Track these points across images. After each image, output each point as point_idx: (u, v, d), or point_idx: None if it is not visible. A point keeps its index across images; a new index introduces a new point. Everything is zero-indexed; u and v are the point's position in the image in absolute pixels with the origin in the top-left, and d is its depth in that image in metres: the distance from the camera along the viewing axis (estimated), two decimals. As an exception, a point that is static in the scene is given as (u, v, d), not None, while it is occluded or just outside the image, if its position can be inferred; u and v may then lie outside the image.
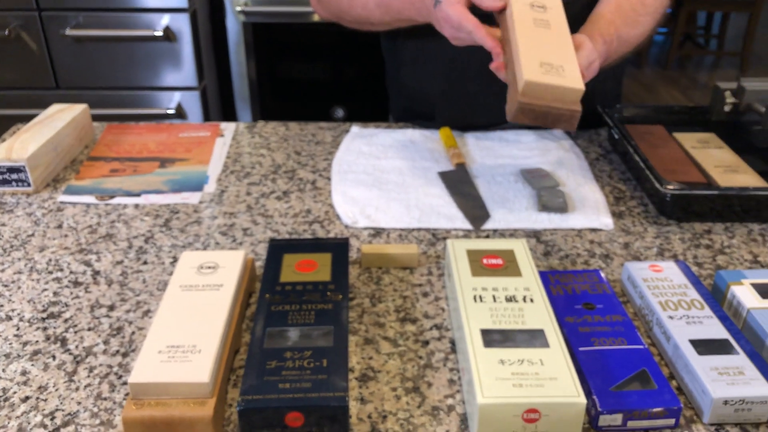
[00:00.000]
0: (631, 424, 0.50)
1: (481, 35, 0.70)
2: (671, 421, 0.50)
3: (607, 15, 0.81)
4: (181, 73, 1.75)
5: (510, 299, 0.57)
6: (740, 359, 0.53)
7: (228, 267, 0.61)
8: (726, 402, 0.50)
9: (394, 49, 1.03)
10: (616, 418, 0.50)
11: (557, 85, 0.65)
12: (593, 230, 0.76)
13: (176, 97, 1.78)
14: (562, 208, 0.78)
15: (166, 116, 1.77)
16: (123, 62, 1.72)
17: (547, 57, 0.67)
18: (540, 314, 0.55)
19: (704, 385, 0.51)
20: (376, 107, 1.96)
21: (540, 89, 0.65)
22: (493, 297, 0.57)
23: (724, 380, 0.51)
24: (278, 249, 0.64)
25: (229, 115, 1.99)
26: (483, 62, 0.74)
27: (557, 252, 0.72)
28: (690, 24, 4.09)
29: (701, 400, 0.51)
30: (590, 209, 0.79)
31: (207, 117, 1.85)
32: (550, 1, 0.74)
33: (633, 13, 0.83)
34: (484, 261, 0.62)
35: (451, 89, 0.97)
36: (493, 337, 0.53)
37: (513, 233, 0.75)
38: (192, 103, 1.79)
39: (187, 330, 0.53)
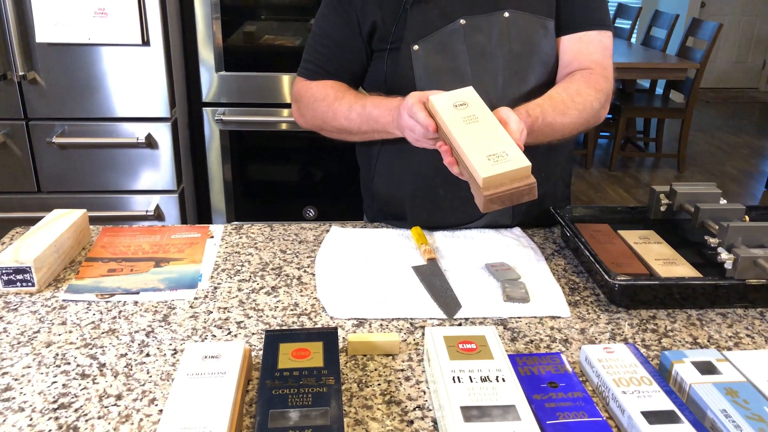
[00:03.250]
0: (595, 486, 0.57)
1: (427, 123, 0.85)
2: (629, 484, 0.57)
3: (538, 100, 0.95)
4: (160, 177, 1.84)
5: (485, 379, 0.64)
6: (686, 428, 0.61)
7: (229, 356, 0.67)
8: (675, 464, 0.57)
9: (369, 157, 1.15)
10: (582, 482, 0.57)
11: (509, 170, 0.77)
12: (553, 317, 0.85)
13: (155, 200, 1.86)
14: (525, 298, 0.88)
15: (145, 218, 1.84)
16: (104, 167, 1.81)
17: (490, 149, 0.79)
18: (511, 392, 0.63)
19: (655, 450, 0.58)
20: (345, 206, 2.07)
21: (497, 180, 0.77)
22: (470, 377, 0.65)
23: (672, 445, 0.59)
24: (274, 339, 0.71)
25: (205, 215, 2.07)
26: (448, 170, 0.86)
27: (522, 337, 0.80)
28: (630, 129, 4.43)
29: (654, 464, 0.59)
30: (549, 299, 0.89)
31: (184, 218, 1.92)
32: (467, 95, 0.87)
33: (562, 105, 0.97)
34: (460, 346, 0.70)
35: (421, 194, 1.08)
36: (471, 413, 0.60)
37: (483, 321, 0.84)
38: (170, 205, 1.87)
39: (197, 413, 0.59)
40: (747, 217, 0.97)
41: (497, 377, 0.65)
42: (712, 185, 1.03)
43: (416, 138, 0.89)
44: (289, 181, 2.06)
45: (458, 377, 0.65)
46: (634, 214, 1.10)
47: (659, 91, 4.43)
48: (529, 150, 0.95)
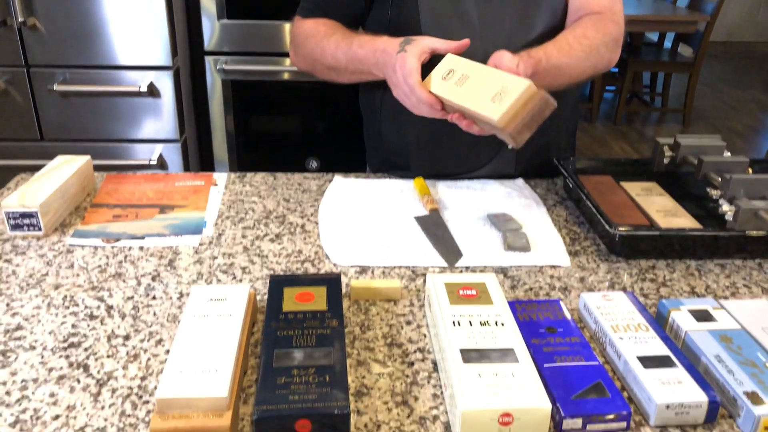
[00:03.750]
0: (589, 427, 0.59)
1: (420, 94, 0.86)
2: (623, 425, 0.59)
3: (543, 45, 0.94)
4: (163, 126, 1.83)
5: (484, 324, 0.66)
6: (679, 372, 0.62)
7: (235, 299, 0.69)
8: (668, 406, 0.59)
9: (373, 105, 1.14)
10: (577, 422, 0.58)
11: (515, 98, 0.78)
12: (553, 267, 0.86)
13: (158, 149, 1.86)
14: (525, 247, 0.89)
15: (148, 167, 1.84)
16: (107, 116, 1.80)
17: (489, 92, 0.80)
18: (510, 336, 0.64)
19: (649, 393, 0.60)
20: (348, 158, 2.06)
21: (510, 114, 0.78)
22: (470, 322, 0.66)
23: (666, 388, 0.60)
24: (278, 283, 0.72)
25: (208, 166, 2.07)
26: None
27: (522, 285, 0.82)
28: (636, 83, 4.37)
29: (647, 406, 0.60)
30: (549, 249, 0.89)
31: (187, 168, 1.93)
32: (449, 63, 0.88)
33: (567, 47, 0.96)
34: (460, 292, 0.71)
35: (426, 142, 1.08)
36: (470, 355, 0.61)
37: (483, 269, 0.85)
38: (173, 154, 1.87)
39: (204, 353, 0.60)
40: (750, 170, 0.97)
41: (496, 322, 0.66)
42: (717, 138, 1.02)
43: (421, 112, 0.90)
44: (291, 132, 2.05)
45: (458, 321, 0.66)
46: (637, 166, 1.10)
47: (668, 44, 4.35)
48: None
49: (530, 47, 0.94)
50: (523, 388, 0.57)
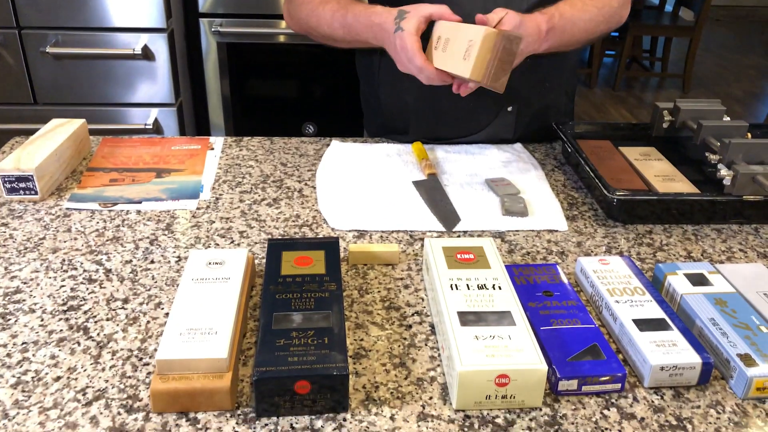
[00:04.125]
0: (585, 388, 0.59)
1: (428, 73, 0.87)
2: (618, 386, 0.60)
3: (555, 3, 0.95)
4: (158, 90, 1.81)
5: (481, 287, 0.66)
6: (674, 334, 0.63)
7: (233, 263, 0.69)
8: (662, 368, 0.60)
9: (371, 69, 1.13)
10: (573, 384, 0.59)
11: (479, 50, 0.80)
12: (550, 231, 0.86)
13: (153, 113, 1.84)
14: (523, 212, 0.89)
15: (143, 131, 1.82)
16: (101, 79, 1.78)
17: (460, 51, 0.82)
18: (507, 299, 0.65)
19: (644, 354, 0.61)
20: (345, 123, 2.05)
21: (479, 65, 0.80)
22: (467, 285, 0.66)
23: (660, 351, 0.61)
24: (276, 247, 0.72)
25: (204, 130, 2.05)
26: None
27: (520, 250, 0.82)
28: (636, 47, 4.32)
29: (642, 368, 0.61)
30: (547, 213, 0.90)
31: (182, 132, 1.91)
32: (440, 28, 0.89)
33: (580, 3, 0.95)
34: (458, 256, 0.71)
35: (425, 105, 1.07)
36: (468, 318, 0.62)
37: (481, 234, 0.85)
38: (168, 119, 1.85)
39: (203, 315, 0.61)
40: (749, 135, 0.96)
41: (493, 285, 0.66)
42: (716, 102, 1.02)
43: (408, 68, 0.90)
44: (288, 96, 2.03)
45: (456, 285, 0.66)
46: (636, 131, 1.09)
47: (668, 8, 4.29)
48: (535, 59, 0.94)
49: (534, 8, 0.93)
50: (519, 351, 0.58)
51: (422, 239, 0.83)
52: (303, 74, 2.00)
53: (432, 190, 0.94)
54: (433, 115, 1.07)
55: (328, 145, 1.09)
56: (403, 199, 0.92)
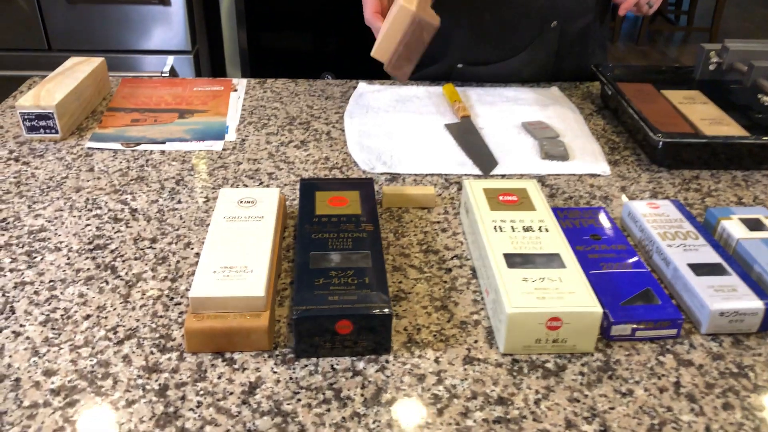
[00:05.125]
0: (638, 333, 0.56)
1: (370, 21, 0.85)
2: (673, 332, 0.57)
3: None
4: (174, 36, 1.76)
5: (527, 229, 0.63)
6: (733, 279, 0.60)
7: (265, 201, 0.65)
8: (722, 314, 0.57)
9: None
10: (626, 329, 0.56)
11: (386, 29, 0.73)
12: (592, 176, 0.82)
13: (169, 60, 1.79)
14: (564, 156, 0.85)
15: (160, 79, 1.78)
16: (116, 25, 1.73)
17: (389, 17, 0.76)
18: (555, 241, 0.61)
19: (702, 299, 0.57)
20: (365, 70, 1.99)
21: (383, 45, 0.74)
22: (512, 227, 0.63)
23: (719, 296, 0.58)
24: (309, 187, 0.69)
25: (220, 79, 2.00)
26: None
27: (561, 194, 0.78)
28: (662, 0, 4.19)
29: (699, 314, 0.58)
30: (588, 158, 0.85)
31: (199, 81, 1.86)
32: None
33: None
34: (500, 198, 0.68)
35: (464, 22, 1.03)
36: (514, 260, 0.59)
37: (520, 177, 0.81)
38: (185, 66, 1.81)
39: (237, 253, 0.58)
40: (803, 77, 0.91)
41: (540, 227, 0.63)
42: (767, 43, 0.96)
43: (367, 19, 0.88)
44: (304, 44, 1.97)
45: (500, 227, 0.63)
46: (679, 74, 1.04)
47: (697, -41, 4.14)
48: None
49: None
50: (571, 293, 0.55)
51: (458, 183, 0.79)
52: (320, 22, 1.93)
53: (466, 133, 0.90)
54: (473, 33, 1.02)
55: (354, 87, 1.04)
56: (436, 142, 0.88)
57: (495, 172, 0.82)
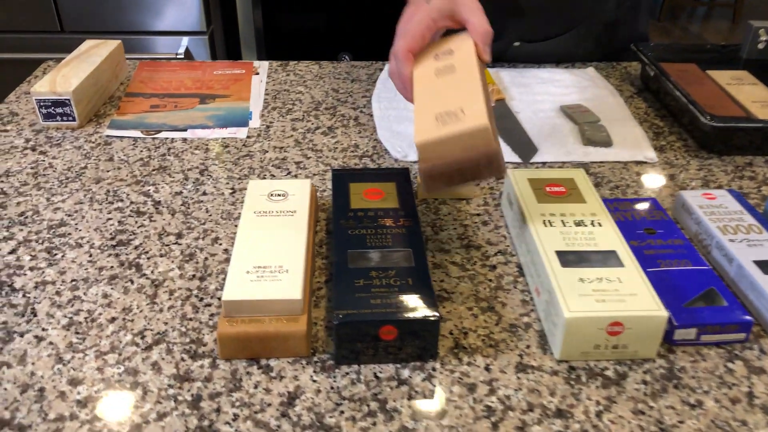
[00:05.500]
0: (704, 338, 0.52)
1: (399, 67, 0.64)
2: (742, 336, 0.53)
3: None
4: (189, 17, 1.71)
5: (579, 223, 0.58)
6: (801, 278, 0.55)
7: (297, 194, 0.62)
8: (792, 316, 0.52)
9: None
10: (690, 332, 0.52)
11: (454, 133, 0.51)
12: (638, 163, 0.77)
13: (184, 42, 1.74)
14: (607, 142, 0.80)
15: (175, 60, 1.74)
16: (130, 6, 1.68)
17: (444, 105, 0.54)
18: (610, 237, 0.57)
19: (771, 300, 0.53)
20: (381, 49, 1.94)
21: (436, 147, 0.52)
22: (562, 221, 0.59)
23: (789, 296, 0.53)
24: (342, 178, 0.65)
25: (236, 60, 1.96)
26: None
27: (607, 183, 0.74)
28: (685, -26, 4.08)
29: None
30: (632, 143, 0.81)
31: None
32: (458, 42, 0.64)
33: None
34: (548, 189, 0.63)
35: None
36: (568, 258, 0.54)
37: (562, 165, 0.77)
38: (199, 48, 1.76)
39: (270, 252, 0.54)
40: None
41: (592, 221, 0.59)
42: (822, 19, 0.90)
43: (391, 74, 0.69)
44: (321, 23, 1.91)
45: (549, 221, 0.59)
46: (724, 53, 0.98)
47: (721, -69, 4.01)
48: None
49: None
50: (633, 295, 0.51)
51: (496, 171, 0.75)
52: (336, 1, 1.88)
53: (502, 118, 0.85)
54: (531, 7, 0.97)
55: (380, 69, 1.00)
56: (471, 127, 0.83)
57: (535, 159, 0.77)
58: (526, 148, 0.79)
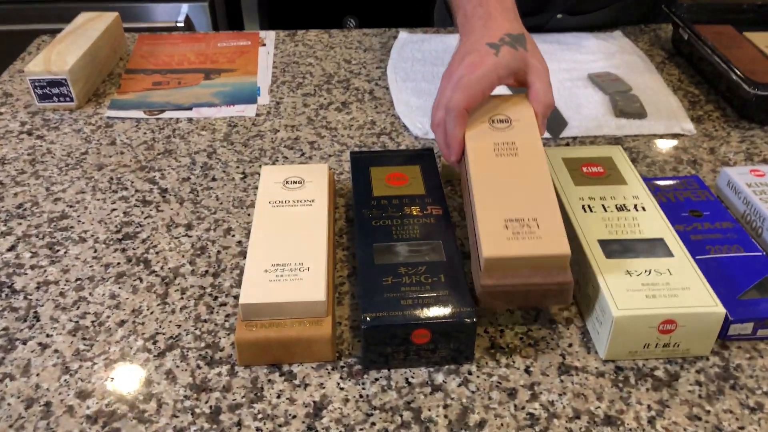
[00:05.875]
0: (761, 332, 0.48)
1: (450, 125, 0.53)
2: (800, 328, 0.49)
3: None
4: (188, -19, 1.64)
5: (621, 208, 0.54)
6: None
7: (314, 181, 0.57)
8: None
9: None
10: (747, 327, 0.48)
11: (530, 255, 0.45)
12: (675, 136, 0.73)
13: (183, 9, 1.67)
14: (641, 113, 0.75)
15: (175, 29, 1.67)
16: (125, -30, 1.61)
17: (515, 209, 0.47)
18: (656, 222, 0.52)
19: (833, 290, 0.49)
20: (391, 12, 1.86)
21: (507, 264, 0.45)
22: (603, 206, 0.54)
23: None
24: (361, 161, 0.60)
25: (238, 28, 1.89)
26: None
27: (643, 159, 0.69)
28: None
29: (828, 306, 0.49)
30: (668, 114, 0.75)
31: (216, 29, 1.75)
32: (517, 110, 0.55)
33: None
34: (584, 169, 0.59)
35: None
36: (612, 248, 0.50)
37: (593, 140, 0.72)
38: (200, 15, 1.69)
39: (289, 247, 0.50)
40: None
41: (635, 205, 0.54)
42: None
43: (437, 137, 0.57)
44: (328, -14, 1.83)
45: (589, 206, 0.54)
46: (762, 13, 0.92)
47: None
48: None
49: None
50: (685, 289, 0.46)
51: (524, 148, 0.70)
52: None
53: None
54: None
55: (394, 37, 0.94)
56: (494, 99, 0.78)
57: (565, 134, 0.72)
58: (555, 121, 0.74)
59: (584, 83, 0.81)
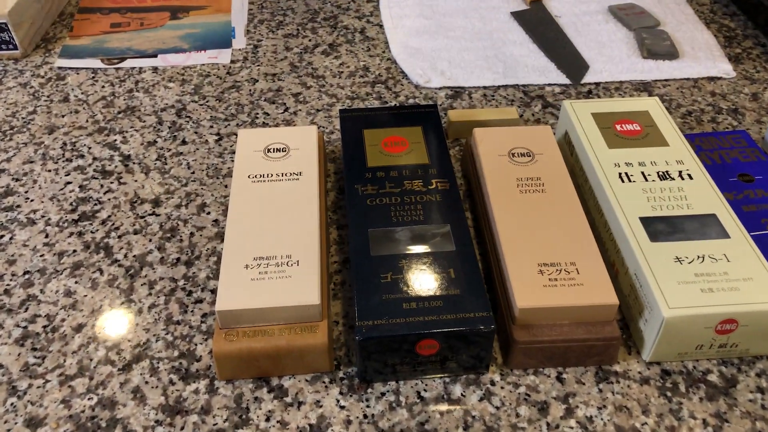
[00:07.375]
0: (828, 324, 0.41)
1: None
2: None
3: None
4: None
5: (664, 176, 0.46)
6: None
7: (301, 148, 0.48)
8: None
9: None
10: (812, 319, 0.41)
11: (574, 305, 0.38)
12: (710, 79, 0.64)
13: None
14: (672, 53, 0.65)
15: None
16: None
17: (549, 252, 0.41)
18: (706, 194, 0.44)
19: None
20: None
21: (544, 315, 0.39)
22: (643, 174, 0.46)
23: None
24: (353, 122, 0.51)
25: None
26: None
27: (677, 108, 0.60)
28: None
29: None
30: (702, 53, 0.66)
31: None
32: (539, 142, 0.49)
33: None
34: (618, 127, 0.50)
35: None
36: (657, 228, 0.42)
37: (618, 86, 0.63)
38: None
39: (274, 236, 0.42)
40: None
41: (680, 172, 0.46)
42: None
43: None
44: None
45: (626, 173, 0.46)
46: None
47: None
48: None
49: None
50: (747, 279, 0.39)
51: (540, 97, 0.61)
52: None
53: (541, 25, 0.70)
54: None
55: (387, -36, 0.82)
56: (505, 39, 0.68)
57: (586, 79, 0.63)
58: (574, 64, 0.64)
59: (605, 17, 0.71)
